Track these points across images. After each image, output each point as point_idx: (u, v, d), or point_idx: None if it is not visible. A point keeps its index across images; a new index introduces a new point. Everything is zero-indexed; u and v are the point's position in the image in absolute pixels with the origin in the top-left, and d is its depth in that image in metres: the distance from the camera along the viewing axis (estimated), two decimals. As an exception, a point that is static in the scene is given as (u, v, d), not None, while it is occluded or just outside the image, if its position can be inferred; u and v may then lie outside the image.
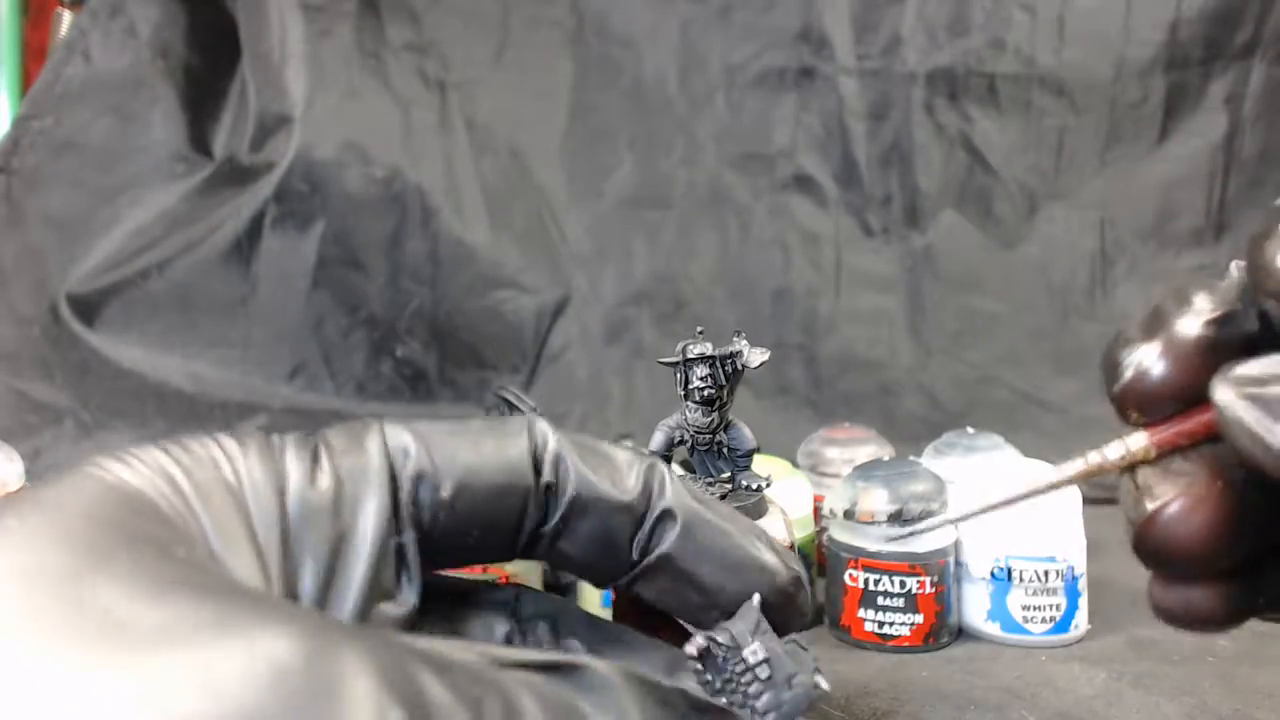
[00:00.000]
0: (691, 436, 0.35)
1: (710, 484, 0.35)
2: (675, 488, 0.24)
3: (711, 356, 0.33)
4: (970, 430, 0.60)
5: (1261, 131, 0.95)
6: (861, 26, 0.98)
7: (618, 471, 0.24)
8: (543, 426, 0.24)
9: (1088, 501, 0.51)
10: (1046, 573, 0.48)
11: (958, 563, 0.50)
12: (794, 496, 0.52)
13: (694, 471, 0.36)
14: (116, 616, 0.14)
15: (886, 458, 0.59)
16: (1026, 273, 0.97)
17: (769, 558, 0.25)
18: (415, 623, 0.22)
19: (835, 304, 0.97)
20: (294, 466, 0.21)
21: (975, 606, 0.49)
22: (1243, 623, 0.20)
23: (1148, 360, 0.21)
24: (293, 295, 0.92)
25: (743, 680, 0.22)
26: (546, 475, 0.23)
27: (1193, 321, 0.20)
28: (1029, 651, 0.48)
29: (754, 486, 0.34)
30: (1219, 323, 0.20)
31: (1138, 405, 0.21)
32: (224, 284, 0.91)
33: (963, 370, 0.94)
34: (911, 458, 0.55)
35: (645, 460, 0.25)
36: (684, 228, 0.99)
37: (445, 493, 0.22)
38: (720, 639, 0.23)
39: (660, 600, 0.25)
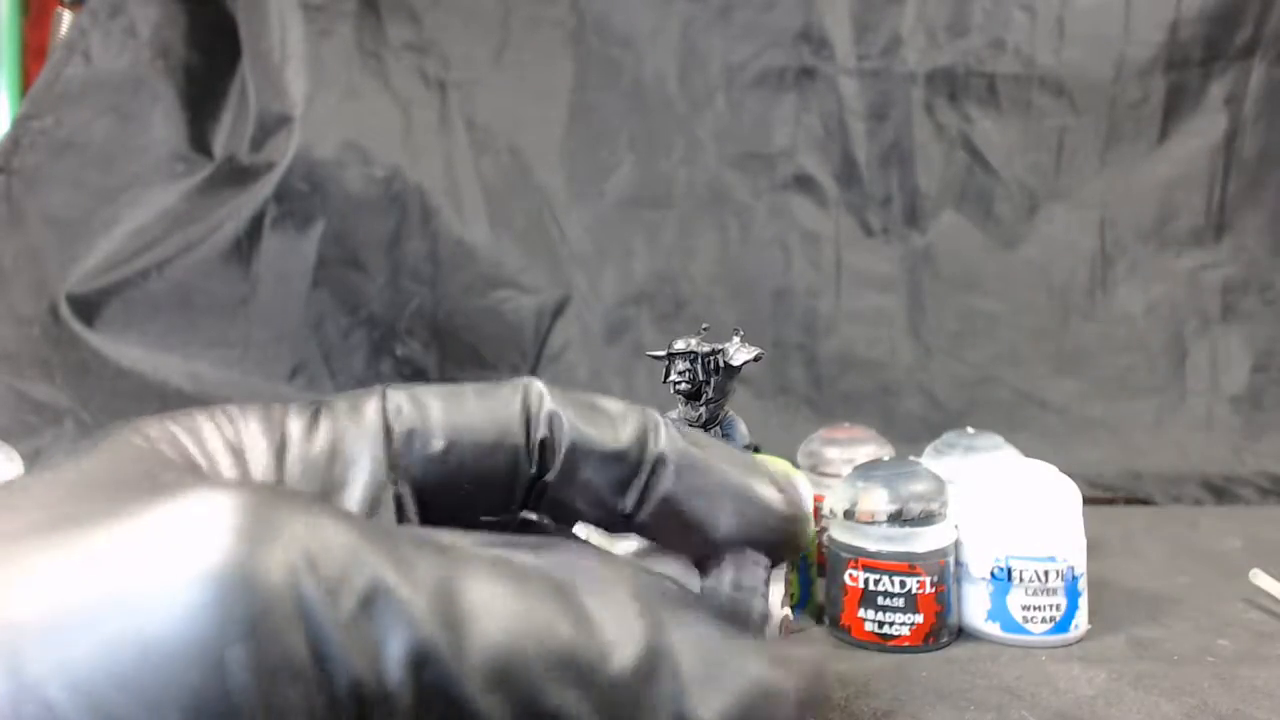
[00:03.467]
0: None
1: None
2: (669, 432, 0.25)
3: (692, 352, 0.34)
4: (970, 430, 0.60)
5: (1261, 131, 0.95)
6: (861, 26, 0.98)
7: (612, 422, 0.25)
8: (538, 386, 0.25)
9: (1088, 501, 0.51)
10: (1046, 573, 0.48)
11: (958, 563, 0.50)
12: (794, 496, 0.52)
13: None
14: (66, 508, 0.16)
15: (886, 458, 0.58)
16: (1026, 273, 0.97)
17: (767, 491, 0.25)
18: None
19: (835, 304, 0.97)
20: (294, 427, 0.23)
21: (975, 606, 0.49)
22: None
23: None
24: (293, 295, 0.92)
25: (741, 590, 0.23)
26: (541, 431, 0.24)
27: None
28: (1029, 651, 0.48)
29: None
30: None
31: None
32: (224, 284, 0.91)
33: (963, 370, 0.94)
34: (911, 458, 0.55)
35: (640, 410, 0.26)
36: (684, 228, 0.99)
37: (435, 447, 0.23)
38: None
39: (663, 541, 0.26)
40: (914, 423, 0.90)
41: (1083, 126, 0.97)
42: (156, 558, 0.14)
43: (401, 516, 0.23)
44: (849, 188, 0.99)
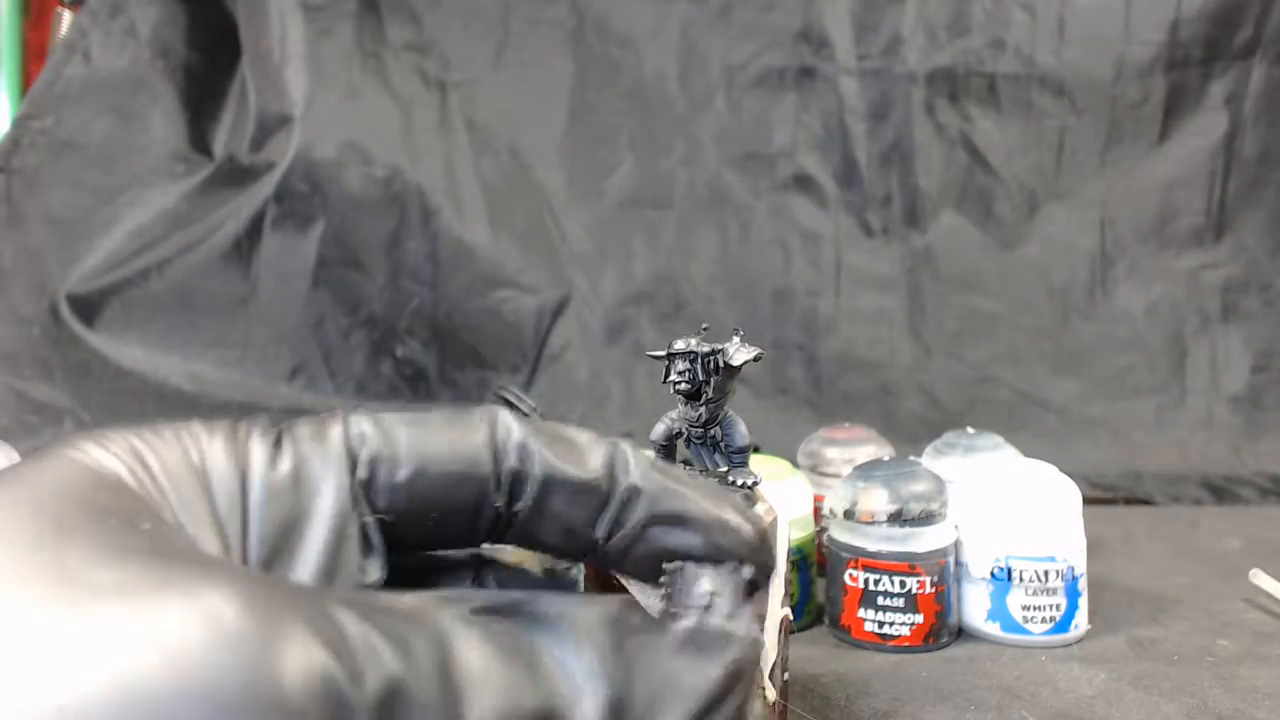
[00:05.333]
0: (686, 430, 0.35)
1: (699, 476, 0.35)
2: (639, 464, 0.25)
3: (692, 352, 0.34)
4: (970, 430, 0.60)
5: (1261, 131, 0.95)
6: (861, 26, 0.98)
7: (582, 454, 0.25)
8: (505, 417, 0.25)
9: (1088, 502, 0.51)
10: (1046, 573, 0.48)
11: (958, 563, 0.50)
12: (794, 496, 0.52)
13: (690, 464, 0.36)
14: (75, 576, 0.16)
15: (886, 458, 0.58)
16: (1026, 273, 0.97)
17: (735, 519, 0.26)
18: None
19: (835, 304, 0.97)
20: (257, 451, 0.22)
21: (975, 606, 0.49)
22: None
23: None
24: (293, 295, 0.92)
25: (688, 607, 0.23)
26: (512, 462, 0.24)
27: None
28: (1029, 651, 0.48)
29: (741, 484, 0.34)
30: None
31: None
32: (224, 284, 0.91)
33: (963, 370, 0.94)
34: (911, 458, 0.55)
35: (608, 441, 0.26)
36: (684, 228, 0.99)
37: (401, 477, 0.23)
38: (689, 569, 0.24)
39: (634, 571, 0.26)
40: (914, 423, 0.90)
41: (1083, 126, 0.97)
42: (181, 668, 0.14)
43: (367, 547, 0.23)
44: (849, 188, 0.99)
